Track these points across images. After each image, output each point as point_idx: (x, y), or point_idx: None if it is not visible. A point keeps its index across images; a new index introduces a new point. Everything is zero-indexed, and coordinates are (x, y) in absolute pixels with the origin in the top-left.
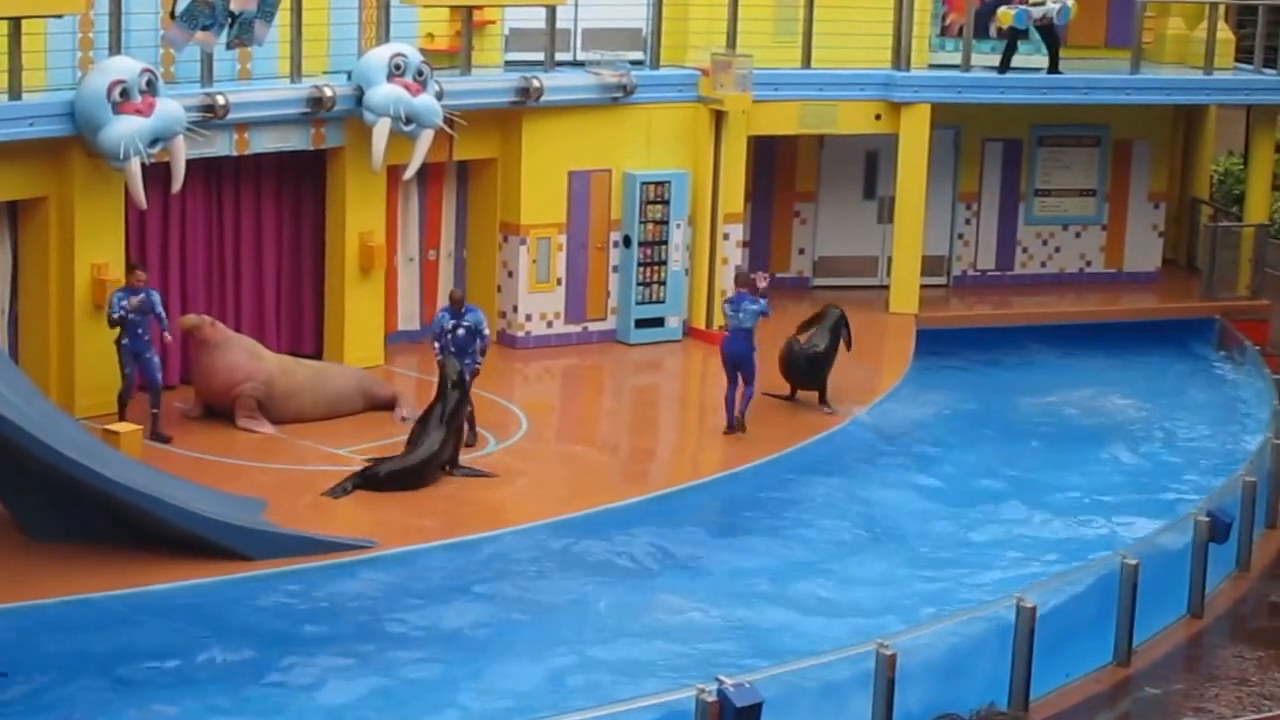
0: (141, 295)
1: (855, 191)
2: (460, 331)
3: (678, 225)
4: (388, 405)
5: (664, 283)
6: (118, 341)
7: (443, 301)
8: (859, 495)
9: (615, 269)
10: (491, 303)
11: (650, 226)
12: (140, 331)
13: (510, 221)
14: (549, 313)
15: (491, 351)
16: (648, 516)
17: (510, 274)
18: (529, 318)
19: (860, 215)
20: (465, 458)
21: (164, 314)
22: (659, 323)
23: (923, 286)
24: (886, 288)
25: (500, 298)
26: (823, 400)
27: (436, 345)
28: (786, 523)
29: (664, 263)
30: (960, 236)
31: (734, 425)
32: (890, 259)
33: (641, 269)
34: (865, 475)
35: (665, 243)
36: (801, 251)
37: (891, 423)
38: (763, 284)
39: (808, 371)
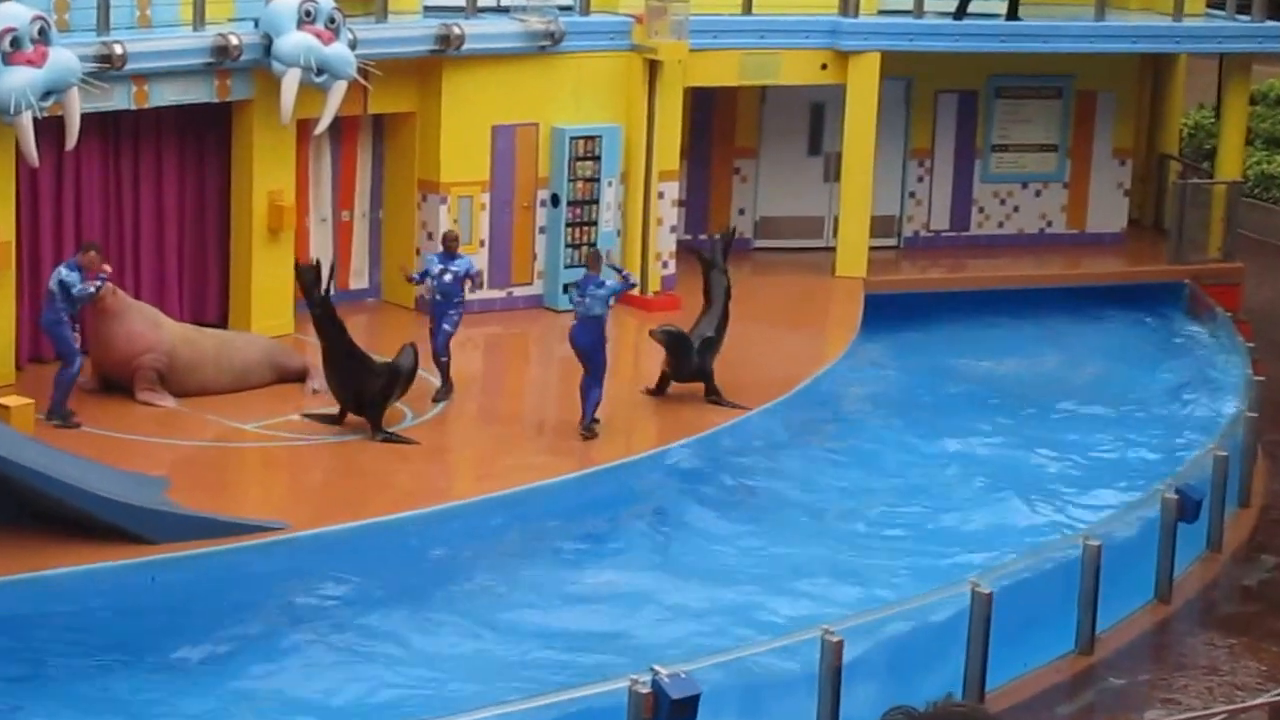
0: (100, 284)
1: (799, 147)
2: (447, 277)
3: (609, 183)
4: (298, 377)
5: (594, 245)
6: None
7: (359, 265)
8: (799, 475)
9: (542, 230)
10: (410, 263)
11: (580, 185)
12: (61, 306)
13: (429, 179)
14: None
15: (407, 318)
16: (576, 496)
17: (430, 235)
18: None
19: (805, 173)
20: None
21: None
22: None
23: (872, 249)
24: (833, 250)
25: (418, 262)
26: (711, 393)
27: (417, 279)
28: (723, 503)
29: (594, 223)
30: (912, 195)
31: (590, 423)
32: (837, 219)
33: (570, 230)
34: (806, 453)
35: (596, 202)
36: (742, 212)
37: (837, 396)
38: (625, 274)
39: (690, 359)
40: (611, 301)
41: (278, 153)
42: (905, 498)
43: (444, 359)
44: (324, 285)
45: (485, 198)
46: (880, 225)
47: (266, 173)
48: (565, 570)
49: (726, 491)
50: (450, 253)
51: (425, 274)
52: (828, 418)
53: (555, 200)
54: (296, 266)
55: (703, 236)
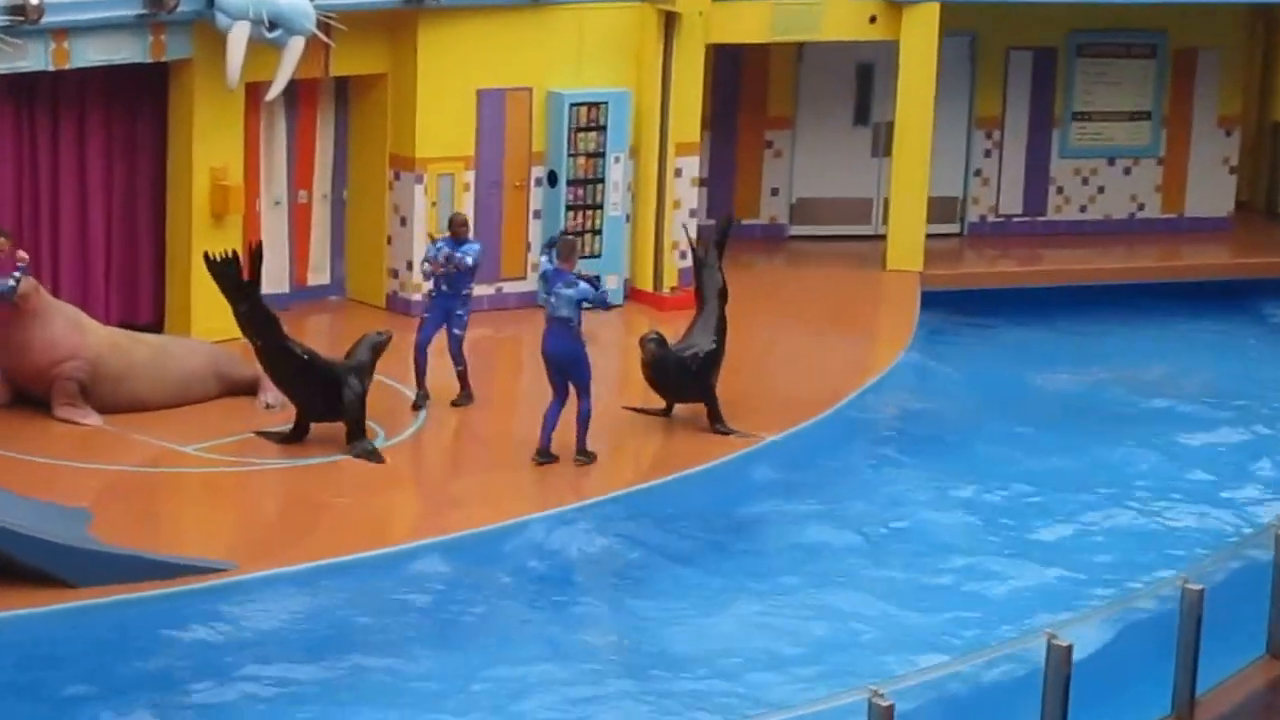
0: (19, 277)
1: (844, 116)
2: (453, 267)
3: (616, 159)
4: (248, 389)
5: (599, 232)
6: None
7: (319, 257)
8: (847, 503)
9: (537, 215)
10: (379, 257)
11: (582, 161)
12: None
13: (403, 154)
14: None
15: (377, 319)
16: (573, 529)
17: (403, 221)
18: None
19: (850, 147)
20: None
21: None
22: (593, 284)
23: (929, 237)
24: (883, 239)
25: (391, 252)
26: (714, 418)
27: (427, 270)
28: (750, 544)
29: (600, 207)
30: (978, 174)
31: (546, 451)
32: (888, 202)
33: (571, 214)
34: (856, 478)
35: (601, 181)
36: (775, 192)
37: (892, 412)
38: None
39: (681, 381)
40: (586, 306)
41: (222, 123)
42: (973, 530)
43: (461, 367)
44: (248, 275)
45: (469, 176)
46: (940, 209)
47: (209, 146)
48: (549, 618)
49: (730, 538)
50: (458, 237)
51: (433, 260)
52: (868, 448)
53: (553, 179)
54: (207, 261)
55: (692, 223)
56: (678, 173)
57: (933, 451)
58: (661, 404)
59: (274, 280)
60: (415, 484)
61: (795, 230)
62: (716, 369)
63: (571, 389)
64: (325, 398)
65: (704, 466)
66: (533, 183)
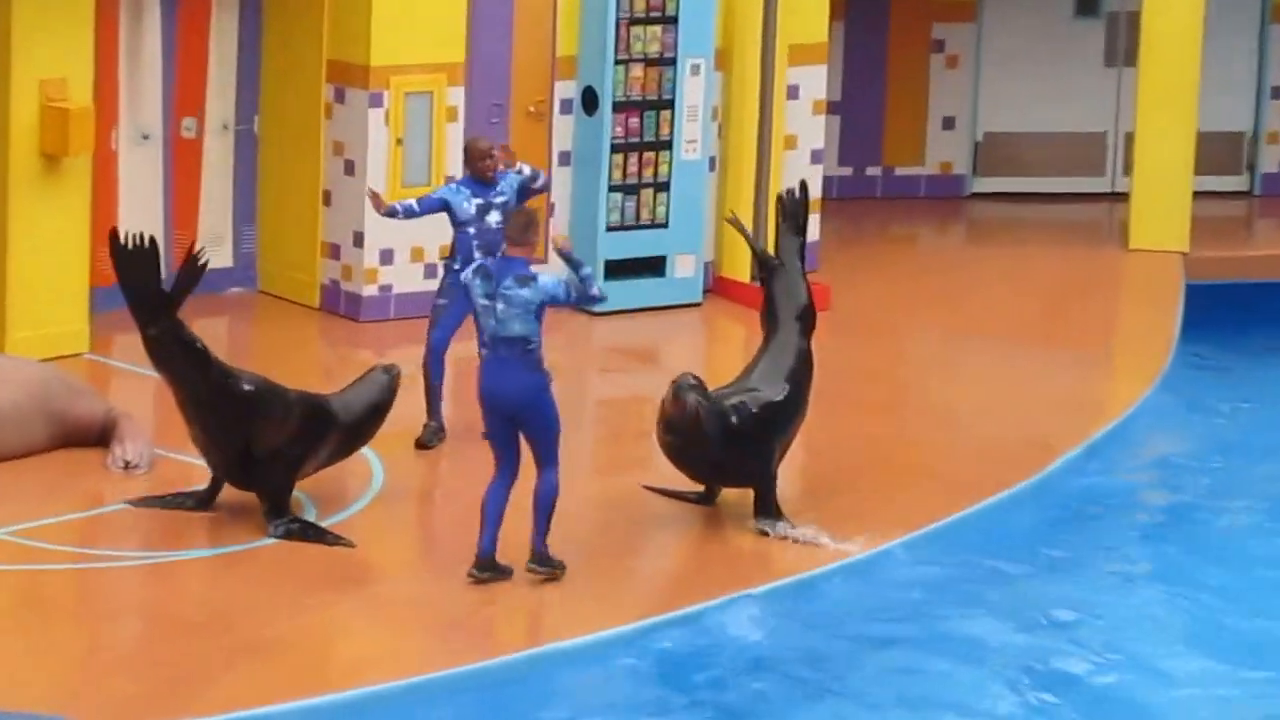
0: None
1: (1059, 3)
2: (492, 218)
3: (694, 69)
4: (95, 435)
5: (666, 186)
6: None
7: (215, 224)
8: (1065, 603)
9: (565, 157)
10: (309, 226)
11: (638, 73)
12: None
13: (349, 63)
14: (428, 247)
15: (312, 326)
16: (610, 667)
17: (349, 167)
18: (386, 258)
19: (1069, 51)
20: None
21: None
22: (654, 266)
23: (1200, 197)
24: (1123, 199)
25: (328, 217)
26: (761, 510)
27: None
28: (898, 682)
29: (666, 146)
30: (1278, 96)
31: (488, 562)
32: (1131, 140)
33: (620, 158)
34: (1086, 567)
35: (669, 105)
36: (949, 125)
37: (1141, 473)
38: (561, 241)
39: (729, 452)
40: (565, 299)
41: (58, 17)
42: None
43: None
44: (178, 286)
45: (456, 97)
46: (1216, 152)
47: (38, 50)
48: None
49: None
50: (481, 177)
51: (459, 218)
52: (1100, 538)
53: (590, 101)
54: (114, 245)
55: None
56: (792, 92)
57: (1190, 569)
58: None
59: None
60: (359, 589)
61: (981, 185)
62: (784, 433)
63: (528, 453)
64: (247, 454)
65: (759, 588)
66: (558, 107)
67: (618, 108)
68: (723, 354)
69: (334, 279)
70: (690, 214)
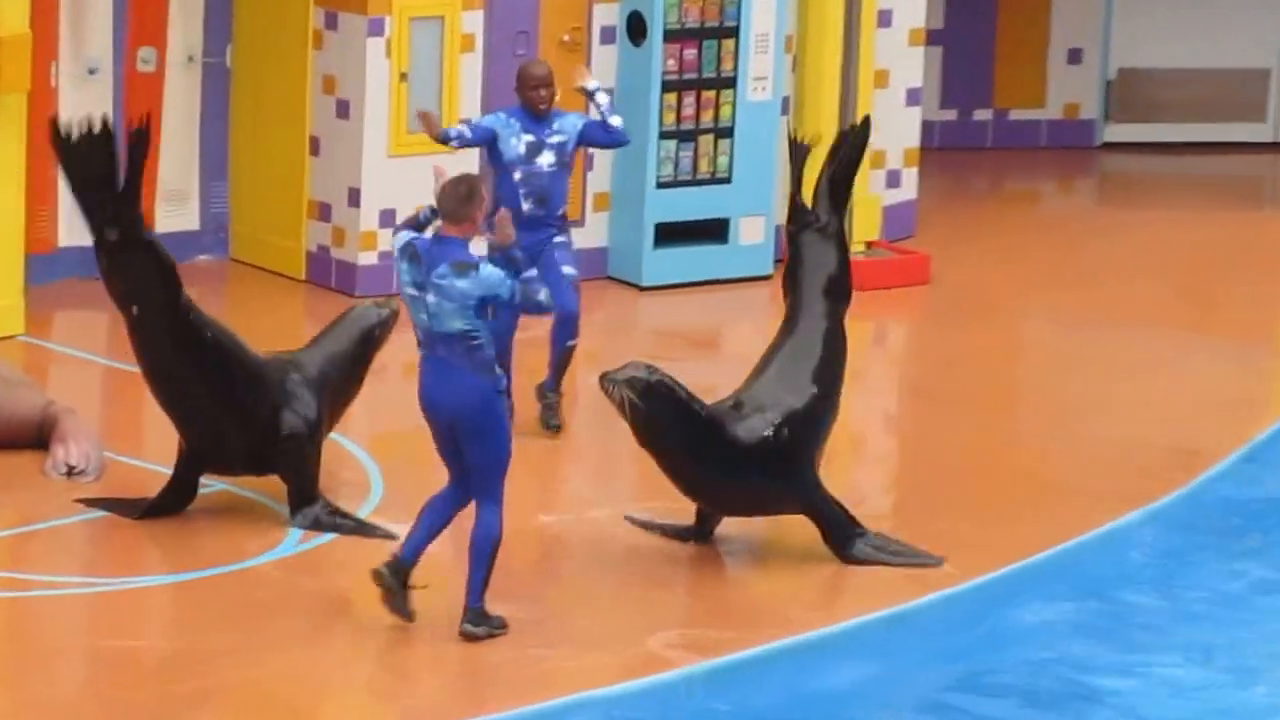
0: None
1: None
2: (545, 160)
3: None
4: (30, 435)
5: (729, 132)
6: None
7: (176, 175)
8: (1222, 646)
9: (607, 98)
10: (294, 182)
11: None
12: None
13: None
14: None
15: (303, 302)
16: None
17: (343, 109)
18: (387, 220)
19: None
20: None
21: None
22: (714, 232)
23: None
24: None
25: (316, 170)
26: (836, 537)
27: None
28: None
29: (729, 84)
30: None
31: (396, 568)
32: None
33: (672, 98)
34: (1243, 601)
35: (733, 33)
36: (1075, 58)
37: None
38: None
39: (731, 466)
40: (508, 300)
41: None
42: None
43: (570, 347)
44: (126, 175)
45: (473, 23)
46: None
47: None
48: None
49: None
50: (534, 109)
51: (506, 160)
52: (1260, 564)
53: (637, 29)
54: (55, 135)
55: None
56: (884, 18)
57: None
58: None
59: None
60: (344, 621)
61: (1114, 133)
62: (817, 441)
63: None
64: (251, 429)
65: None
66: (597, 35)
67: (670, 36)
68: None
69: (323, 245)
70: (758, 167)
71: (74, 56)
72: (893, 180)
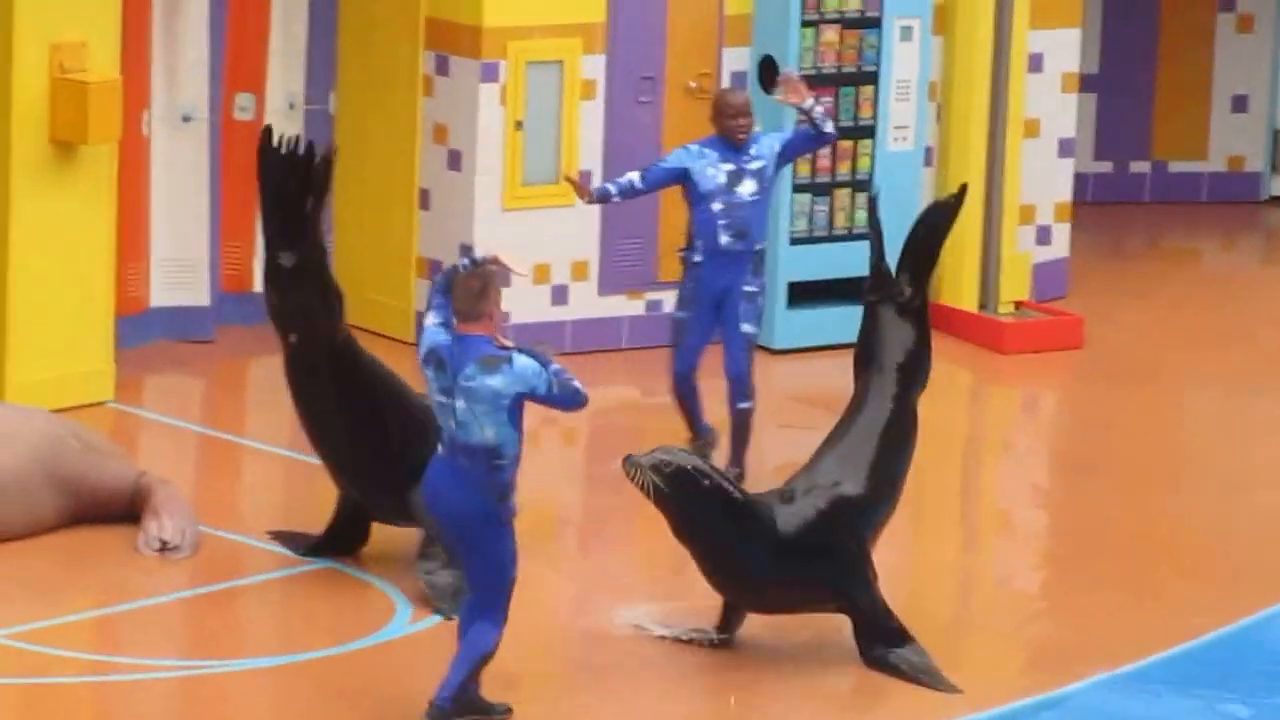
0: None
1: None
2: (746, 189)
3: (905, 32)
4: (121, 508)
5: (867, 185)
6: None
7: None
8: None
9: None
10: (404, 235)
11: (831, 37)
12: None
13: (454, 22)
14: (558, 262)
15: (412, 367)
16: None
17: (453, 160)
18: (502, 279)
19: None
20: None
21: None
22: (851, 291)
23: None
24: None
25: (425, 224)
26: (875, 640)
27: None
28: None
29: (868, 132)
30: None
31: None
32: None
33: (809, 146)
34: None
35: (872, 79)
36: (1240, 107)
37: None
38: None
39: (801, 569)
40: (545, 396)
41: None
42: None
43: (746, 404)
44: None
45: (594, 68)
46: None
47: (47, 8)
48: None
49: None
50: (732, 139)
51: (702, 190)
52: None
53: (769, 74)
54: (264, 149)
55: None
56: (1035, 63)
57: None
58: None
59: (180, 281)
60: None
61: None
62: (868, 532)
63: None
64: (396, 474)
65: None
66: (726, 81)
67: (807, 79)
68: (940, 406)
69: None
70: (899, 222)
71: (168, 103)
72: (1043, 237)
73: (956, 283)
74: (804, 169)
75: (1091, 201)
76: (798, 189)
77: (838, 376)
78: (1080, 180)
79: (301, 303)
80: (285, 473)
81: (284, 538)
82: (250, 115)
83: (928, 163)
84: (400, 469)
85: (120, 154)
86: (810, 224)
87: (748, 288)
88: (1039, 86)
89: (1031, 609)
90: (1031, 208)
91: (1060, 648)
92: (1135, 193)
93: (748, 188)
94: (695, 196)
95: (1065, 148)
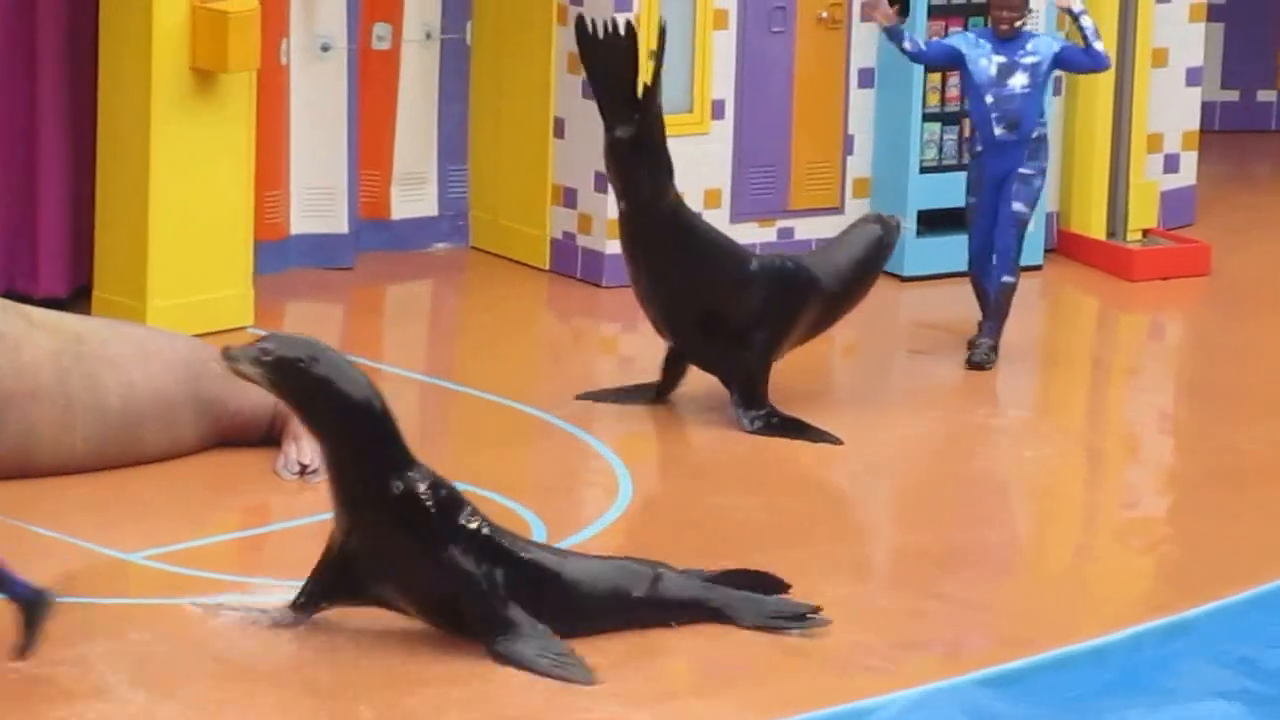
0: None
1: None
2: (1018, 82)
3: None
4: (260, 432)
5: None
6: None
7: (413, 162)
8: None
9: (866, 77)
10: (538, 167)
11: None
12: None
13: None
14: (691, 190)
15: (546, 293)
16: None
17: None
18: None
19: None
20: None
21: None
22: None
23: None
24: None
25: (560, 152)
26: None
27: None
28: None
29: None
30: None
31: None
32: None
33: (937, 78)
34: None
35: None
36: None
37: None
38: None
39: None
40: None
41: None
42: None
43: (1011, 279)
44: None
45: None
46: None
47: None
48: None
49: None
50: (995, 29)
51: (976, 81)
52: None
53: (900, 3)
54: (580, 30)
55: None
56: None
57: None
58: None
59: (319, 209)
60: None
61: None
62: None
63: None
64: (724, 330)
65: None
66: (856, 11)
67: (934, 12)
68: (1067, 331)
69: (568, 232)
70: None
71: (306, 33)
72: (1171, 165)
73: (1085, 210)
74: (934, 99)
75: (1218, 130)
76: (927, 118)
77: (965, 304)
78: (1207, 109)
79: (632, 173)
80: (421, 398)
81: (606, 395)
82: (387, 45)
83: (1056, 92)
84: (720, 324)
85: (259, 83)
86: (940, 153)
87: (1024, 170)
88: (1166, 16)
89: (1159, 533)
90: (1159, 136)
91: (1188, 572)
92: (1262, 121)
93: (1019, 80)
94: (968, 85)
95: (1192, 76)
